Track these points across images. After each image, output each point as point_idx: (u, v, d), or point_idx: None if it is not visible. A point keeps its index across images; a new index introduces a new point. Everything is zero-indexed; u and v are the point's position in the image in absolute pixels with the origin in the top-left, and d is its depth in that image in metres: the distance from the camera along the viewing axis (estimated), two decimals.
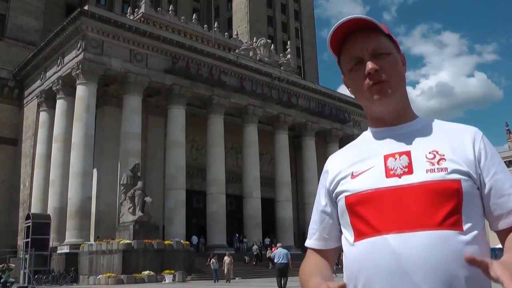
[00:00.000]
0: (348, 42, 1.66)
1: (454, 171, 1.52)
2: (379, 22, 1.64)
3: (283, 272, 20.82)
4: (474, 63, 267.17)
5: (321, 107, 51.46)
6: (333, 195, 1.69)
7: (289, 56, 55.53)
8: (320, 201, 1.75)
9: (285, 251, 21.31)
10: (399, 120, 1.68)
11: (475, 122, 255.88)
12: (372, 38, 1.64)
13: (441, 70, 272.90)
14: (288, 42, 67.15)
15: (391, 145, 1.64)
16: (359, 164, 1.64)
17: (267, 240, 44.09)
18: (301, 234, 50.39)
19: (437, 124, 1.69)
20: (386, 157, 1.61)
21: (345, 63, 1.70)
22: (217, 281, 29.56)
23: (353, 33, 1.65)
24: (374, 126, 1.73)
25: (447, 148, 1.58)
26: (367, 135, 1.76)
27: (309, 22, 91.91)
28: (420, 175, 1.53)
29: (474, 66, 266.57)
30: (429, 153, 1.57)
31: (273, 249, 37.10)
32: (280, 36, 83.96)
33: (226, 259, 29.91)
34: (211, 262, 30.78)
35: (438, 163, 1.54)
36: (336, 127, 53.48)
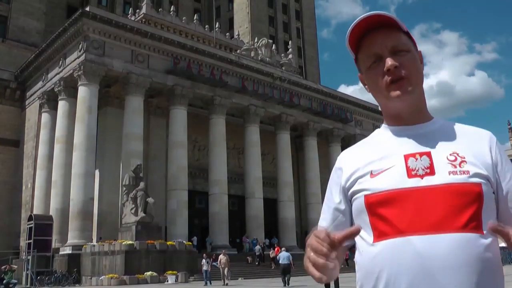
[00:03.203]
0: (367, 39, 1.65)
1: (476, 175, 1.54)
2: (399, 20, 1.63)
3: (286, 270, 24.72)
4: (474, 62, 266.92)
5: (323, 107, 51.42)
6: (349, 193, 1.67)
7: (290, 56, 55.54)
8: (333, 198, 1.72)
9: (287, 254, 25.22)
10: (416, 119, 1.67)
11: (477, 121, 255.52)
12: (391, 35, 1.63)
13: (441, 69, 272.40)
14: (290, 42, 67.09)
15: (410, 145, 1.63)
16: (377, 162, 1.63)
17: (274, 240, 44.04)
18: (303, 234, 50.35)
19: (454, 126, 1.70)
20: (406, 157, 1.60)
21: (364, 60, 1.68)
22: (209, 283, 27.23)
23: (372, 31, 1.64)
24: (390, 124, 1.72)
25: (467, 151, 1.59)
26: (382, 133, 1.74)
27: (310, 22, 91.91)
28: (443, 176, 1.54)
29: (475, 65, 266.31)
30: (450, 155, 1.58)
31: (276, 249, 37.16)
32: (281, 36, 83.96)
33: (222, 258, 27.95)
34: (202, 262, 28.72)
35: (459, 165, 1.55)
36: (338, 126, 53.43)
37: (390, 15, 1.61)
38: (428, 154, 1.59)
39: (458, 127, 1.69)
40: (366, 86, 1.72)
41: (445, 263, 1.43)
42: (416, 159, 1.59)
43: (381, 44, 1.62)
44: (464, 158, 1.57)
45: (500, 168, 1.59)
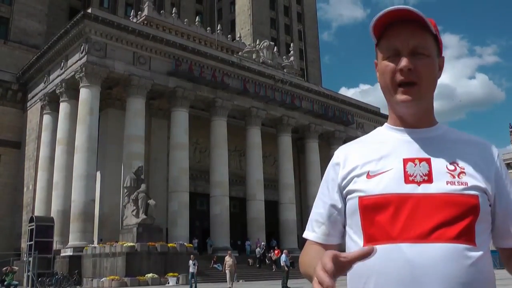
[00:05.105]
0: (392, 30, 1.60)
1: (473, 187, 1.52)
2: (429, 19, 1.58)
3: (285, 272, 25.97)
4: (475, 65, 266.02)
5: (324, 109, 51.41)
6: (344, 191, 1.63)
7: (292, 58, 55.49)
8: (330, 194, 1.68)
9: (285, 256, 26.72)
10: (420, 123, 1.64)
11: (478, 124, 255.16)
12: (417, 34, 1.57)
13: (441, 71, 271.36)
14: (291, 44, 67.04)
15: (410, 149, 1.60)
16: (376, 163, 1.59)
17: (273, 243, 44.01)
18: None
19: (456, 134, 1.66)
20: (405, 161, 1.57)
21: (383, 50, 1.63)
22: (194, 287, 25.08)
23: (399, 23, 1.58)
24: (393, 124, 1.68)
25: (467, 162, 1.56)
26: (383, 132, 1.70)
27: (312, 24, 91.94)
28: (440, 185, 1.51)
29: (475, 68, 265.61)
30: (450, 164, 1.55)
31: (276, 251, 37.11)
32: (283, 38, 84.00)
33: (228, 260, 26.17)
34: (189, 263, 26.72)
35: (458, 176, 1.53)
36: (339, 129, 53.43)
37: (422, 15, 1.55)
38: (428, 161, 1.56)
39: (461, 136, 1.65)
40: (378, 75, 1.67)
41: (435, 272, 1.41)
42: (415, 164, 1.56)
43: (404, 40, 1.57)
44: (463, 169, 1.54)
45: (501, 182, 1.58)
